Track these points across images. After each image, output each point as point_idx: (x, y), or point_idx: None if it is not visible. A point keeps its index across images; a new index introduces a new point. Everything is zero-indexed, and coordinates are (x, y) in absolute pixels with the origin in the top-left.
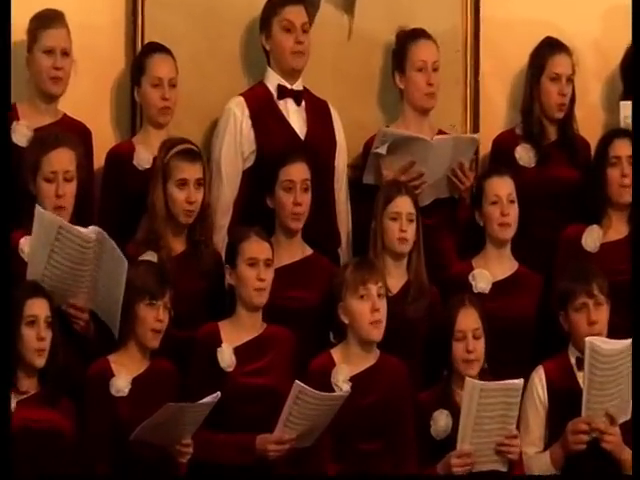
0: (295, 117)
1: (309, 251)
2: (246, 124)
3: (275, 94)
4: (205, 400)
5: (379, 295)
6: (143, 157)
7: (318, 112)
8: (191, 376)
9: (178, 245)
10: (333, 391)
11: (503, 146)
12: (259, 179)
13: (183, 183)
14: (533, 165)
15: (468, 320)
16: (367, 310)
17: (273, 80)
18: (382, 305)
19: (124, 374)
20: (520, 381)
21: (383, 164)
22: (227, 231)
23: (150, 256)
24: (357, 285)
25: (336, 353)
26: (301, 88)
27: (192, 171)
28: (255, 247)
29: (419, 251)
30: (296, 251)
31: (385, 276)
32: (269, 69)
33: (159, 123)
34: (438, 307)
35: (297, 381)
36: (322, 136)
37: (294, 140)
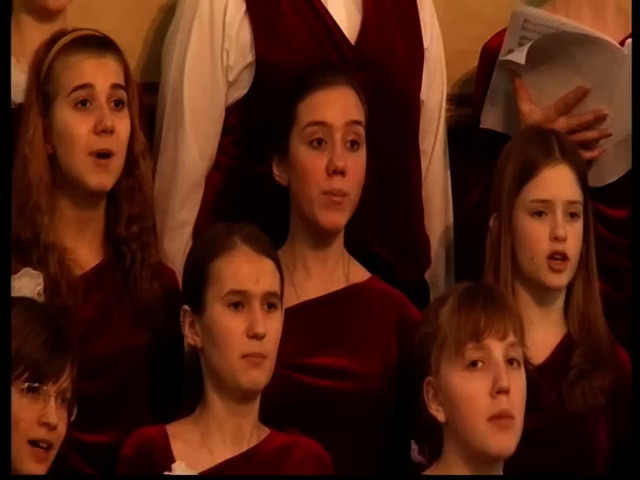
0: (337, 1)
1: (360, 274)
2: (235, 9)
3: None
4: None
5: (509, 362)
6: (19, 81)
7: None
8: None
9: (87, 251)
10: None
11: None
12: (257, 126)
13: (85, 100)
14: None
15: None
16: (484, 392)
17: None
18: (516, 383)
19: None
20: None
21: (520, 89)
22: (192, 234)
23: (27, 278)
24: (464, 342)
25: None
26: None
27: (101, 71)
28: (244, 268)
29: (590, 278)
30: (332, 273)
31: (522, 325)
32: None
33: (45, 8)
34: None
35: None
36: (394, 38)
37: (335, 45)
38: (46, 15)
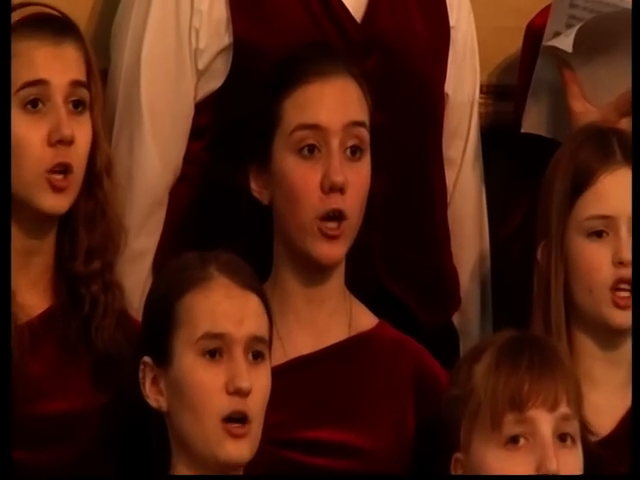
0: None
1: (366, 320)
2: None
3: None
4: None
5: (560, 439)
6: None
7: None
8: None
9: (33, 292)
10: None
11: None
12: (236, 127)
13: (36, 100)
14: None
15: None
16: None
17: None
18: (568, 465)
19: None
20: None
21: (571, 83)
22: (154, 263)
23: None
24: (502, 411)
25: None
26: None
27: (57, 63)
28: (222, 306)
29: None
30: (329, 320)
31: (579, 390)
32: None
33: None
34: None
35: None
36: (410, 14)
37: (336, 23)
38: None
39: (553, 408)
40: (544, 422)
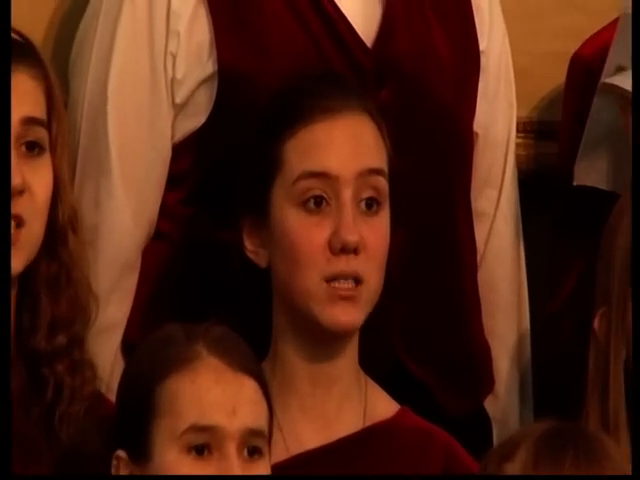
0: None
1: (384, 406)
2: None
3: None
4: None
5: None
6: None
7: None
8: None
9: None
10: None
11: None
12: (221, 174)
13: None
14: None
15: None
16: None
17: None
18: None
19: None
20: None
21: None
22: (124, 338)
23: None
24: None
25: None
26: None
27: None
28: (212, 393)
29: None
30: (340, 406)
31: None
32: None
33: None
34: None
35: None
36: (431, 37)
37: (342, 48)
38: None
39: None
40: None
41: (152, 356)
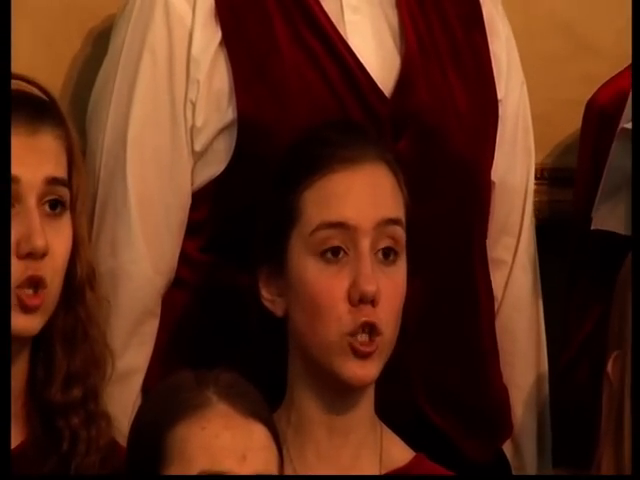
0: (364, 25)
1: (399, 453)
2: (206, 37)
3: None
4: None
5: None
6: None
7: (439, 6)
8: None
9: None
10: None
11: None
12: (240, 222)
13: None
14: None
15: None
16: None
17: None
18: None
19: None
20: None
21: None
22: (144, 385)
23: None
24: None
25: None
26: None
27: (30, 157)
28: (222, 439)
29: None
30: (357, 454)
31: None
32: None
33: None
34: None
35: None
36: (450, 86)
37: (360, 97)
38: None
39: None
40: None
41: (163, 402)
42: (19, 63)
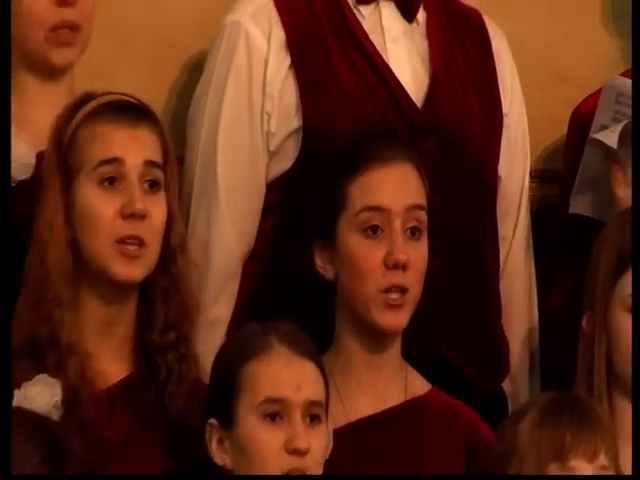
0: (401, 52)
1: (419, 385)
2: (278, 62)
3: None
4: None
5: None
6: (20, 153)
7: (460, 39)
8: None
9: (113, 360)
10: None
11: None
12: (304, 207)
13: (112, 177)
14: None
15: None
16: None
17: None
18: None
19: None
20: None
21: (616, 171)
22: (227, 331)
23: (42, 387)
24: (546, 462)
25: None
26: None
27: (133, 144)
28: (282, 373)
29: None
30: (388, 385)
31: (616, 444)
32: None
33: (49, 65)
34: None
35: None
36: (467, 101)
37: (398, 108)
38: (51, 74)
39: (593, 458)
40: (585, 471)
41: (237, 346)
42: (133, 89)
